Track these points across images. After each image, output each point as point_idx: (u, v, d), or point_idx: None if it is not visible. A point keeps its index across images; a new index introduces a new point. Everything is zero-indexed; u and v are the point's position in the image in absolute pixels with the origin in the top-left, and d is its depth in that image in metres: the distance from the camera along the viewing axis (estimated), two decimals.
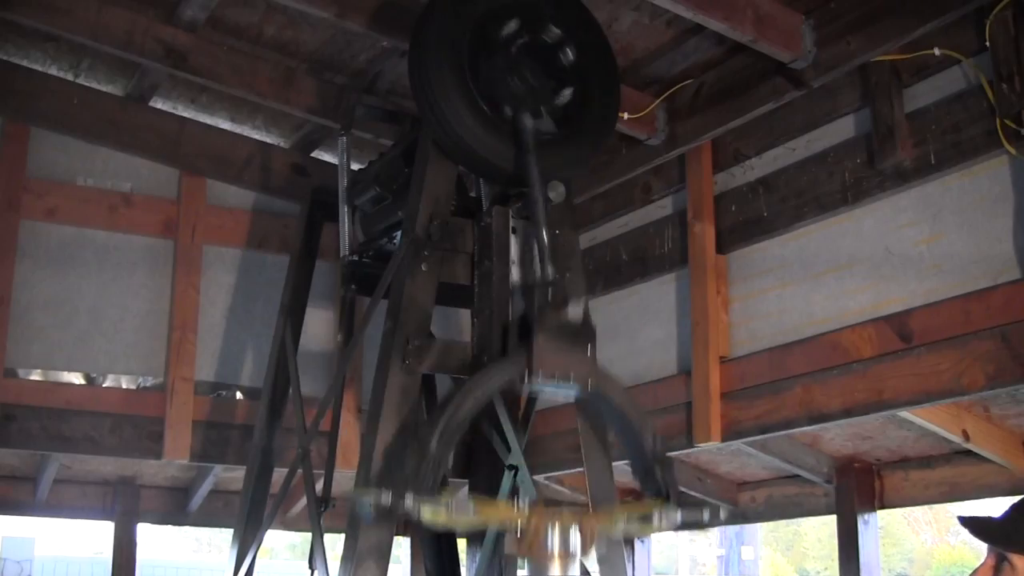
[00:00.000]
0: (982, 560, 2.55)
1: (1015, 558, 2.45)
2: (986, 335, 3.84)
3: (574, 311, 3.46)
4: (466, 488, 3.58)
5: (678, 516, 3.37)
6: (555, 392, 3.52)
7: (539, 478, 5.76)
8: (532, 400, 4.48)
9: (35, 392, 5.20)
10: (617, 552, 3.91)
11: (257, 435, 5.01)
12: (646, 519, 3.36)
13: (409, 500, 3.01)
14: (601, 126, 4.12)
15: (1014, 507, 2.62)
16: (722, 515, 3.47)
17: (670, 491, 3.43)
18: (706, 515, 3.44)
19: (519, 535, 3.08)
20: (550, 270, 3.55)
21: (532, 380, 3.38)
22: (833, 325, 4.47)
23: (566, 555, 3.07)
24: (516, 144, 3.75)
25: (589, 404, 3.79)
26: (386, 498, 3.00)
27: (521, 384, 3.44)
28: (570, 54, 4.03)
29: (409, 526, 7.04)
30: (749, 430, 4.76)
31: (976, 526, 2.58)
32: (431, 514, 3.04)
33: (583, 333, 3.49)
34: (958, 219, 4.07)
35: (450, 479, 5.11)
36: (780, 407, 4.61)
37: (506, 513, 3.16)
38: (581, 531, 3.10)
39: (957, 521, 2.80)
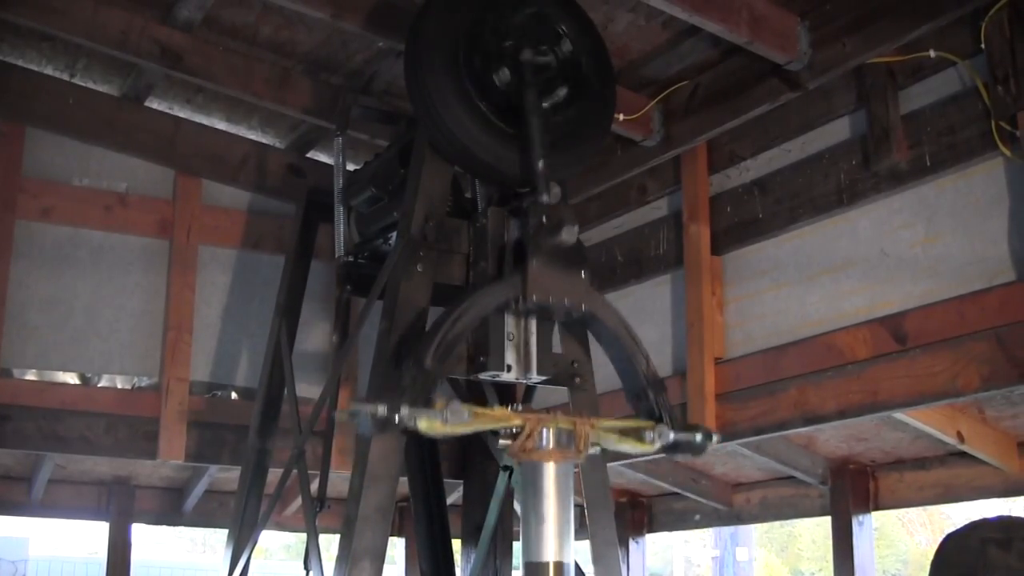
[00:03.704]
0: None
1: None
2: (981, 337, 3.85)
3: (568, 234, 3.51)
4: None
5: (671, 435, 3.43)
6: (550, 310, 3.55)
7: None
8: (527, 400, 4.49)
9: (30, 392, 5.19)
10: (612, 552, 3.92)
11: (252, 435, 5.00)
12: (640, 436, 3.40)
13: (405, 410, 3.06)
14: (597, 127, 4.12)
15: (932, 570, 2.65)
16: (714, 439, 3.52)
17: (663, 413, 3.47)
18: (699, 436, 3.48)
19: (514, 437, 3.13)
20: (545, 195, 3.57)
21: (527, 301, 3.44)
22: (828, 327, 4.47)
23: (560, 454, 3.12)
24: (512, 138, 3.76)
25: (579, 327, 3.84)
26: (383, 409, 3.05)
27: (515, 305, 3.50)
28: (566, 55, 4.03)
29: (404, 525, 7.05)
30: (744, 431, 4.77)
31: None
32: (427, 423, 3.08)
33: (577, 256, 3.55)
34: (953, 221, 4.08)
35: (445, 479, 5.12)
36: (775, 408, 4.62)
37: (501, 416, 3.20)
38: (576, 432, 3.15)
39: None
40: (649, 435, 3.43)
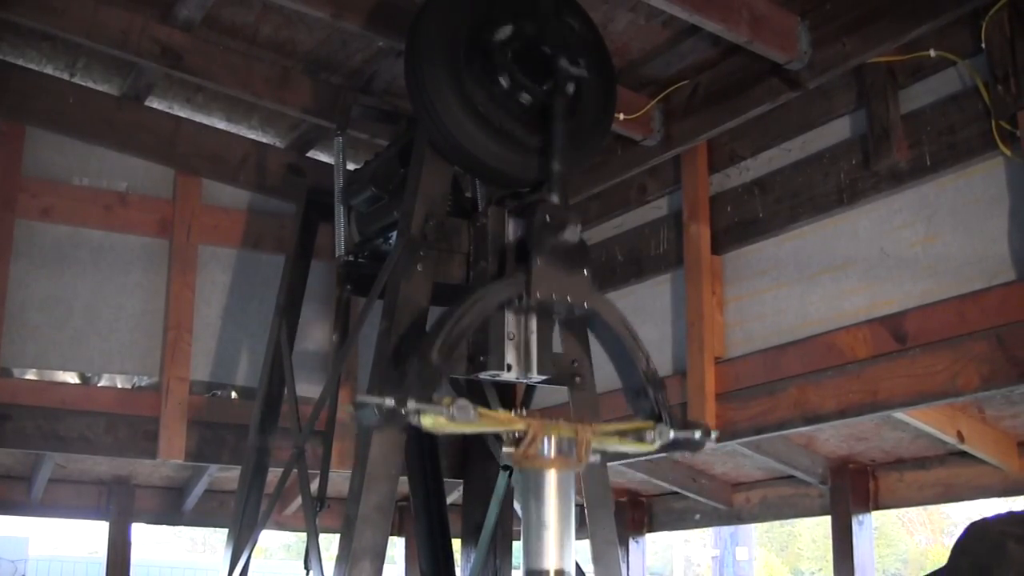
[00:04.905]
0: None
1: None
2: (981, 336, 3.85)
3: (571, 233, 3.53)
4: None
5: (671, 434, 3.45)
6: (553, 308, 3.55)
7: None
8: (527, 399, 4.49)
9: (30, 391, 5.20)
10: (612, 552, 3.91)
11: (252, 435, 5.00)
12: (640, 436, 3.41)
13: (411, 404, 3.06)
14: (597, 127, 4.12)
15: (951, 556, 2.67)
16: (712, 436, 3.53)
17: (663, 412, 3.48)
18: (698, 434, 3.50)
19: (516, 442, 3.14)
20: (555, 195, 3.60)
21: (530, 298, 3.45)
22: (828, 326, 4.47)
23: (562, 462, 3.13)
24: (510, 138, 3.76)
25: (581, 325, 3.84)
26: (390, 402, 3.05)
27: (519, 302, 3.51)
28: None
29: (404, 525, 7.04)
30: (744, 431, 4.77)
31: None
32: (432, 419, 3.08)
33: (579, 255, 3.56)
34: (953, 220, 4.08)
35: (445, 478, 5.11)
36: (775, 408, 4.62)
37: (505, 419, 3.20)
38: (577, 440, 3.16)
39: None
40: (649, 435, 3.44)
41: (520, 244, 3.71)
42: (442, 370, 3.30)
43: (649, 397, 3.56)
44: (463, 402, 3.14)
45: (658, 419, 3.51)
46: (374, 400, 3.09)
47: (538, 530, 3.13)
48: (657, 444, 3.45)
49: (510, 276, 3.59)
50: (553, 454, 3.16)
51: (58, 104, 5.33)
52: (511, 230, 3.86)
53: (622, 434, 3.44)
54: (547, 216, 3.55)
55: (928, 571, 2.87)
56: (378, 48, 4.98)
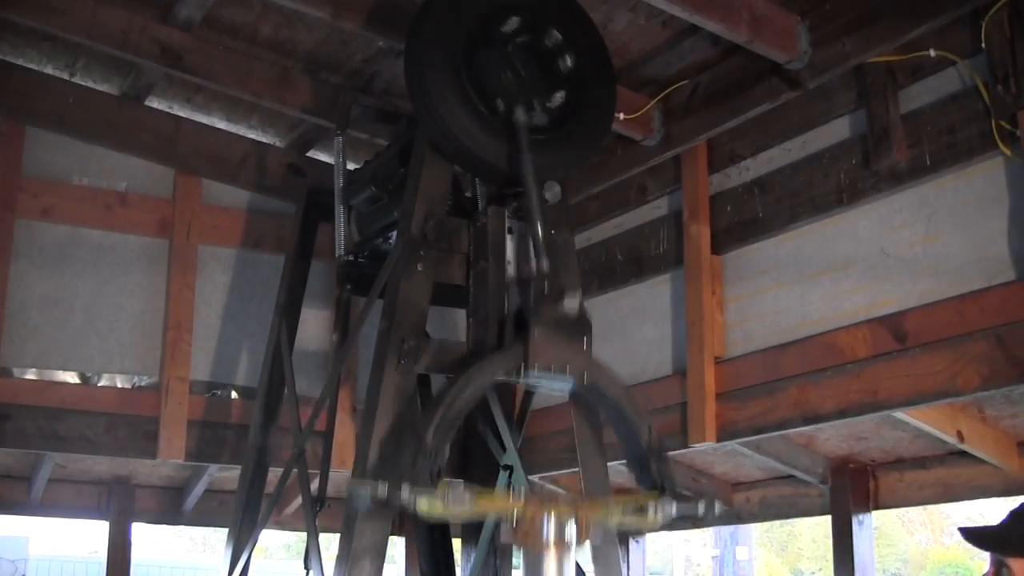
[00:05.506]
0: (985, 568, 2.62)
1: (1012, 562, 2.52)
2: (980, 336, 3.85)
3: (570, 304, 3.49)
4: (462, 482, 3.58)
5: (673, 508, 3.41)
6: (551, 385, 3.53)
7: (534, 478, 5.76)
8: (527, 400, 4.49)
9: (30, 391, 5.20)
10: (612, 552, 3.92)
11: (252, 434, 5.01)
12: (641, 511, 3.38)
13: (405, 491, 3.04)
14: (597, 126, 4.12)
15: (1010, 514, 2.67)
16: (717, 508, 3.50)
17: (665, 484, 3.46)
18: (701, 508, 3.47)
19: (515, 525, 3.11)
20: (545, 263, 3.55)
21: (528, 372, 3.41)
22: (828, 326, 4.47)
23: (561, 544, 3.10)
24: (511, 138, 3.75)
25: (584, 398, 3.80)
26: (383, 489, 3.03)
27: (517, 377, 3.47)
28: (566, 55, 4.03)
29: (404, 524, 7.04)
30: (744, 430, 4.77)
31: (973, 535, 2.66)
32: (427, 505, 3.06)
33: (579, 326, 3.53)
34: (953, 220, 4.08)
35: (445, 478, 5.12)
36: (775, 408, 4.62)
37: (502, 504, 3.18)
38: (576, 520, 3.13)
39: (957, 530, 2.85)
40: (652, 509, 3.39)
41: (519, 315, 3.68)
42: (438, 452, 3.27)
43: (651, 469, 3.53)
44: (458, 488, 3.09)
45: (661, 491, 3.47)
46: (367, 489, 3.06)
47: None
48: (660, 518, 3.40)
49: (508, 349, 3.55)
50: (552, 537, 3.11)
51: (58, 104, 5.33)
52: (510, 302, 3.83)
53: (624, 509, 3.40)
54: (545, 287, 3.52)
55: (929, 570, 2.87)
56: (378, 48, 4.98)
